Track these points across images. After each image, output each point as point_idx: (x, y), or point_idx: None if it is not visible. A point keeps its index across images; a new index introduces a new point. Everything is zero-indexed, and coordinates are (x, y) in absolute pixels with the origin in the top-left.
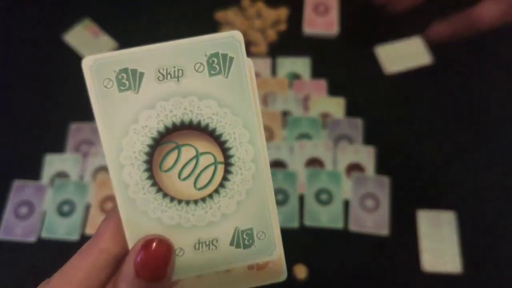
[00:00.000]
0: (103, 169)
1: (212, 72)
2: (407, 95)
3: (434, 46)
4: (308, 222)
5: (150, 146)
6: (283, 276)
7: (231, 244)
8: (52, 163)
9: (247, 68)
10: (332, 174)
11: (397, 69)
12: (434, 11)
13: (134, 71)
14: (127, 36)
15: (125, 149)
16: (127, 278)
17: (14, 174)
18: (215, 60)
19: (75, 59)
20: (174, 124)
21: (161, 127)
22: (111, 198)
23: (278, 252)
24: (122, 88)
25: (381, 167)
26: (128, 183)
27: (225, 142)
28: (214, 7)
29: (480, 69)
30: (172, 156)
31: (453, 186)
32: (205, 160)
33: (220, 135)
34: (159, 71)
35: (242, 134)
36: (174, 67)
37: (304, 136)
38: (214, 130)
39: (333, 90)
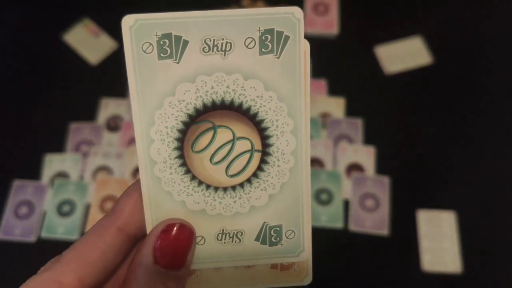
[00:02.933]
0: (103, 169)
1: (263, 50)
2: (407, 95)
3: (434, 46)
4: None
5: (184, 123)
6: (307, 280)
7: (257, 239)
8: (52, 163)
9: (302, 50)
10: (332, 174)
11: (397, 69)
12: (434, 11)
13: (178, 38)
14: None
15: (157, 122)
16: (144, 263)
17: (14, 174)
18: (269, 37)
19: (75, 59)
20: (213, 102)
21: (199, 104)
22: (111, 198)
23: (306, 255)
24: (162, 55)
25: (381, 167)
26: (156, 160)
27: (265, 129)
28: (214, 7)
29: (480, 69)
30: (207, 137)
31: (453, 186)
32: (241, 146)
33: (262, 121)
34: (205, 42)
35: (285, 123)
36: (223, 39)
37: None
38: (255, 114)
39: (333, 90)
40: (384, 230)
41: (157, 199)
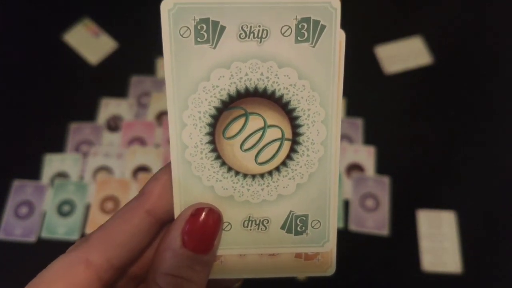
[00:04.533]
0: (103, 169)
1: (299, 38)
2: (407, 95)
3: (434, 46)
4: None
5: (217, 108)
6: (330, 271)
7: (283, 227)
8: (52, 163)
9: (338, 40)
10: None
11: (397, 69)
12: (434, 11)
13: (215, 23)
14: (127, 36)
15: (190, 107)
16: (172, 247)
17: (14, 174)
18: (305, 25)
19: (75, 59)
20: (247, 89)
21: (232, 90)
22: (111, 198)
23: (330, 245)
24: (199, 40)
25: (381, 167)
26: (187, 144)
27: (297, 118)
28: None
29: (480, 69)
30: (238, 124)
31: (453, 186)
32: (271, 134)
33: (293, 109)
34: (242, 28)
35: (317, 112)
36: (259, 26)
37: None
38: (288, 103)
39: None
40: (384, 230)
41: (187, 183)
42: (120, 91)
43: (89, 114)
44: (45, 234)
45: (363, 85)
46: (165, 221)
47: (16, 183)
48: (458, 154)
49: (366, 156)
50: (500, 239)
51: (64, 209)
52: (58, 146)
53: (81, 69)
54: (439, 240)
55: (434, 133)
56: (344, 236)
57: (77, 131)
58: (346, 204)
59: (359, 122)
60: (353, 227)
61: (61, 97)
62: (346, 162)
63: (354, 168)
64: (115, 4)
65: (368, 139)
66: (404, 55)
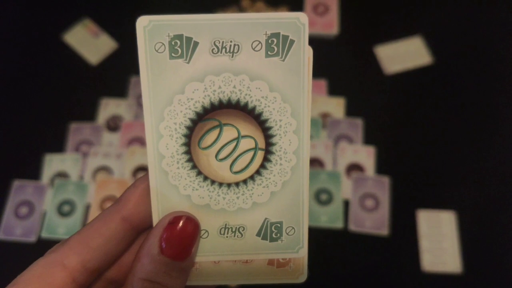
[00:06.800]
0: (103, 169)
1: (269, 52)
2: (407, 95)
3: (434, 46)
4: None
5: (192, 120)
6: (302, 278)
7: (258, 234)
8: (52, 163)
9: (306, 54)
10: (332, 174)
11: (397, 69)
12: (434, 11)
13: (189, 39)
14: (127, 36)
15: (166, 118)
16: (151, 253)
17: (14, 174)
18: (275, 40)
19: (75, 59)
20: (220, 101)
21: (206, 103)
22: (111, 198)
23: (304, 251)
24: (173, 55)
25: (381, 167)
26: (164, 154)
27: (269, 128)
28: (213, 7)
29: (480, 69)
30: (213, 135)
31: (453, 186)
32: (245, 144)
33: (266, 120)
34: (214, 43)
35: (288, 123)
36: (231, 41)
37: None
38: (260, 114)
39: (333, 90)
40: (384, 230)
41: (164, 192)
42: (119, 91)
43: (89, 114)
44: (45, 234)
45: (363, 85)
46: (141, 228)
47: (16, 183)
48: (458, 154)
49: (366, 156)
50: (500, 239)
51: (64, 209)
52: (58, 146)
53: (81, 69)
54: (439, 240)
55: (434, 133)
56: (344, 236)
57: (77, 131)
58: (346, 204)
59: (359, 122)
60: (352, 227)
61: (61, 97)
62: (346, 162)
63: (354, 168)
64: (115, 4)
65: (368, 139)
66: (404, 55)
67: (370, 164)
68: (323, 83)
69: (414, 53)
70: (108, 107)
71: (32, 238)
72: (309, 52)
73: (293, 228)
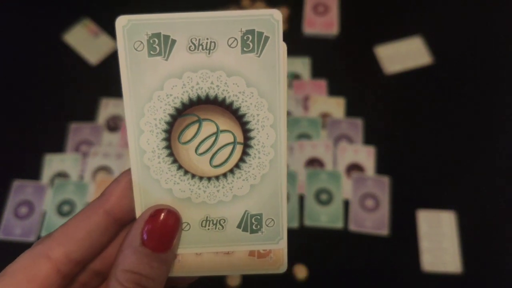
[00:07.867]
0: (103, 169)
1: (245, 49)
2: (407, 95)
3: (434, 46)
4: (308, 222)
5: (171, 115)
6: (282, 269)
7: (239, 226)
8: (52, 163)
9: (281, 50)
10: (332, 174)
11: (397, 69)
12: (434, 11)
13: (166, 37)
14: None
15: (146, 114)
16: (132, 245)
17: (14, 174)
18: (250, 37)
19: (75, 59)
20: (198, 97)
21: (185, 98)
22: None
23: (283, 242)
24: (152, 52)
25: (381, 167)
26: (145, 150)
27: (247, 123)
28: (213, 7)
29: (480, 69)
30: (192, 129)
31: (453, 186)
32: (224, 138)
33: (244, 115)
34: (191, 41)
35: (265, 117)
36: (207, 38)
37: (304, 136)
38: (238, 109)
39: (333, 90)
40: (384, 230)
41: (146, 186)
42: (119, 91)
43: (89, 114)
44: (45, 234)
45: (363, 85)
46: (125, 221)
47: (16, 183)
48: (458, 154)
49: (366, 156)
50: (500, 239)
51: (64, 209)
52: (58, 146)
53: (81, 69)
54: (439, 240)
55: (434, 133)
56: (344, 236)
57: (77, 131)
58: (346, 204)
59: (359, 122)
60: (352, 227)
61: (61, 97)
62: (346, 162)
63: (354, 168)
64: (115, 4)
65: (368, 139)
66: (404, 55)
67: (370, 164)
68: (323, 83)
69: (414, 53)
70: (108, 107)
71: (32, 238)
72: (283, 47)
73: (272, 220)
